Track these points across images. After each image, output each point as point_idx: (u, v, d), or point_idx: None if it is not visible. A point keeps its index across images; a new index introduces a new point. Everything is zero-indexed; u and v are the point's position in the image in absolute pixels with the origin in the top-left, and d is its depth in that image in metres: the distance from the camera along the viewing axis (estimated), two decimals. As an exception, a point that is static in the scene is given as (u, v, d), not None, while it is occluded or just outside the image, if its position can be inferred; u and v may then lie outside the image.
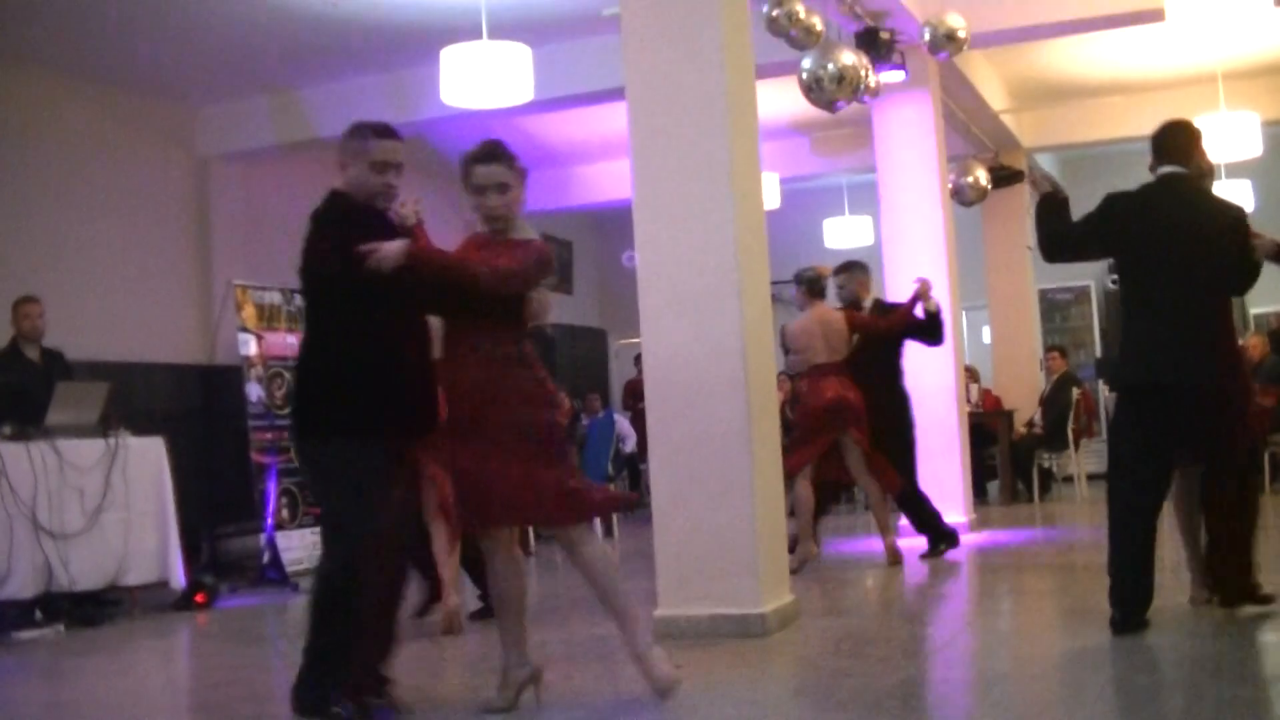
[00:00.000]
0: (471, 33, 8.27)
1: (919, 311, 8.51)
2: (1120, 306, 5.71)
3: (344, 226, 4.39)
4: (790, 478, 8.05)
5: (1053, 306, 16.53)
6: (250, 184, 12.06)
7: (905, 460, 8.60)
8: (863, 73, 8.34)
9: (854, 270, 8.87)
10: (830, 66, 8.14)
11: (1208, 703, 4.33)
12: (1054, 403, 13.16)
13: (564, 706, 4.61)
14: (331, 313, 4.43)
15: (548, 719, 4.56)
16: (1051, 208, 5.76)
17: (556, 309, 16.66)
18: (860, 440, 8.21)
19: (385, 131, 4.50)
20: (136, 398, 9.81)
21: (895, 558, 8.27)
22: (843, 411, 8.17)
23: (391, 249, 4.28)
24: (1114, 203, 5.63)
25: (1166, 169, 5.65)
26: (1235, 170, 12.65)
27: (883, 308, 8.94)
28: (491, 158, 4.57)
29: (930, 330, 8.64)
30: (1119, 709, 4.23)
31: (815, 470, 8.31)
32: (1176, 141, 5.68)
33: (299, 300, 10.87)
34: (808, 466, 8.26)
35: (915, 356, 9.28)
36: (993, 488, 13.21)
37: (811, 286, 8.44)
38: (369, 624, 4.41)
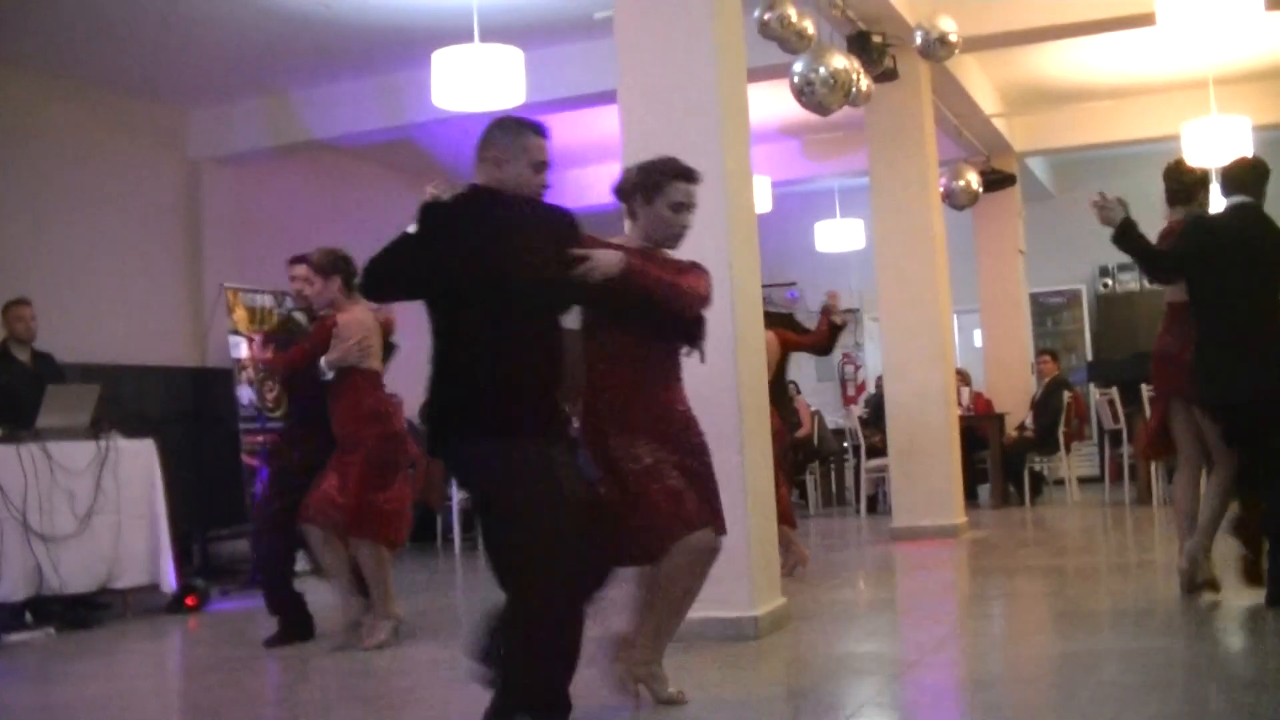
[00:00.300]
0: (463, 35, 8.26)
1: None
2: (1198, 322, 6.06)
3: (532, 227, 4.19)
4: None
5: (1044, 310, 16.55)
6: (241, 187, 12.05)
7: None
8: (854, 76, 8.35)
9: None
10: (822, 70, 8.15)
11: (1201, 706, 4.34)
12: (1045, 406, 13.17)
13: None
14: (503, 314, 4.09)
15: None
16: (1132, 230, 6.04)
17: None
18: None
19: (542, 130, 4.32)
20: (127, 400, 9.80)
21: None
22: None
23: (609, 260, 4.19)
24: (1199, 225, 6.03)
25: (1238, 199, 6.04)
26: (1226, 174, 12.68)
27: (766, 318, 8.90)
28: (694, 176, 4.55)
29: (828, 343, 8.63)
30: (1111, 712, 4.23)
31: None
32: (1248, 175, 6.09)
33: (289, 304, 10.87)
34: None
35: (905, 357, 9.25)
36: (984, 491, 13.22)
37: None
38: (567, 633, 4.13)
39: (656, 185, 4.53)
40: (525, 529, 3.98)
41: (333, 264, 6.52)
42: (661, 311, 4.40)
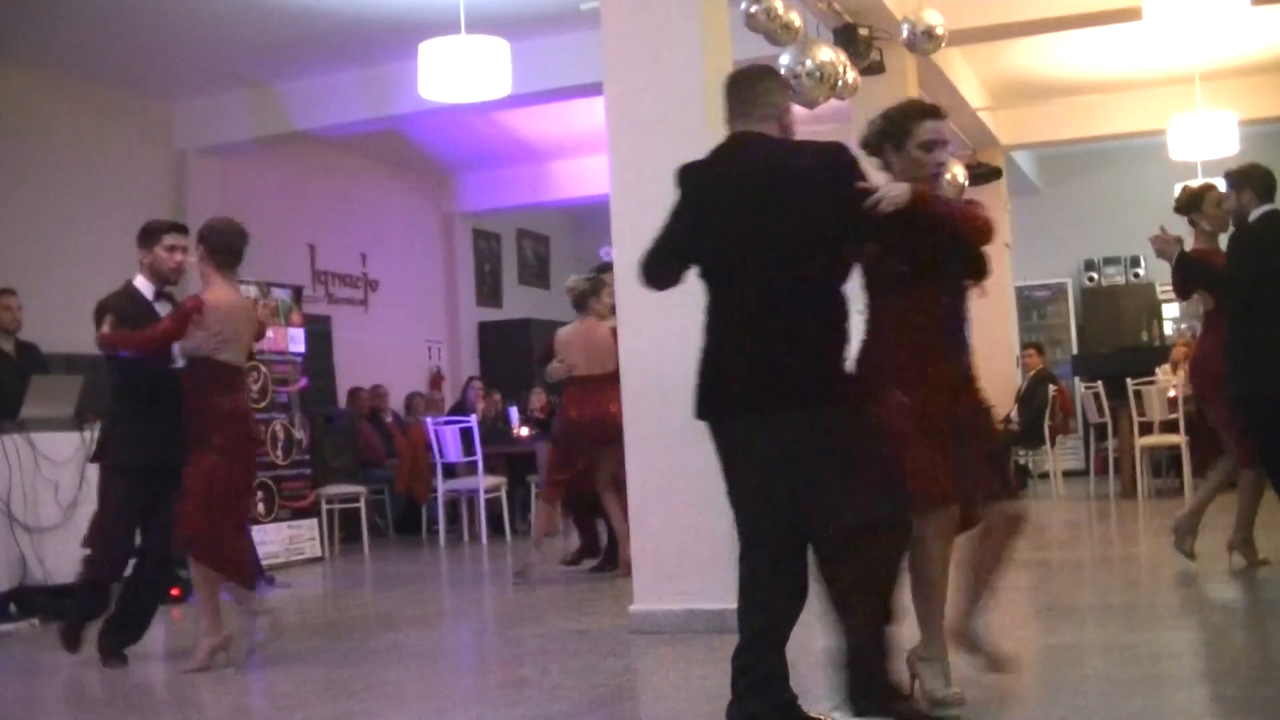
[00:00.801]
0: (450, 27, 8.26)
1: None
2: (1231, 322, 6.31)
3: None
4: (553, 500, 8.51)
5: (1030, 303, 16.59)
6: (228, 178, 12.02)
7: None
8: (841, 69, 8.35)
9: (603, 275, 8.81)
10: (808, 63, 8.14)
11: (1186, 700, 4.36)
12: (1030, 400, 13.20)
13: (540, 701, 4.60)
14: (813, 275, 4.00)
15: (525, 713, 4.56)
16: (1188, 261, 6.32)
17: (533, 304, 16.67)
18: (615, 456, 7.42)
19: None
20: (112, 391, 9.75)
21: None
22: (590, 430, 8.14)
23: (898, 191, 4.04)
24: (1254, 242, 6.22)
25: (1268, 207, 6.23)
26: (1213, 169, 12.71)
27: None
28: (938, 114, 4.39)
29: None
30: (1096, 706, 4.24)
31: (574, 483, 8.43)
32: (1273, 181, 6.33)
33: (276, 294, 10.83)
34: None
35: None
36: (969, 484, 13.23)
37: (577, 301, 8.55)
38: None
39: (904, 129, 4.36)
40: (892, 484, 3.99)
41: (201, 231, 6.00)
42: (953, 241, 4.25)
